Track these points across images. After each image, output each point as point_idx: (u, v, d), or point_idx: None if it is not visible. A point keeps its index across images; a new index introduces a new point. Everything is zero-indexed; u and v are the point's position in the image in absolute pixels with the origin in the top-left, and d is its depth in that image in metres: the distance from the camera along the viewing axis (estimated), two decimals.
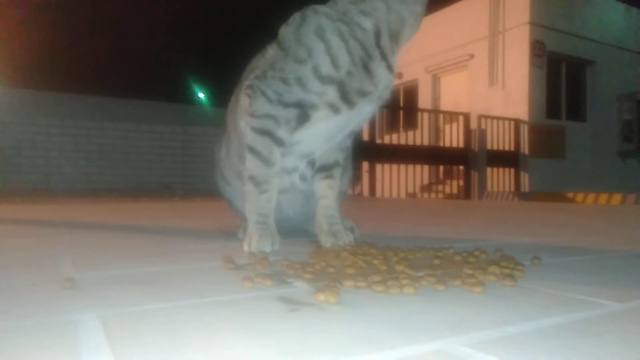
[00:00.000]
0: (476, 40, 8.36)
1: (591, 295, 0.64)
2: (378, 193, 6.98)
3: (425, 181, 7.88)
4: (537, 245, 1.18)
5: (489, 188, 7.43)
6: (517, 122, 7.69)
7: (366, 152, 6.49)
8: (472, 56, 8.51)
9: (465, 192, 7.49)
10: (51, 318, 0.53)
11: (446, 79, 9.36)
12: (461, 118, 7.47)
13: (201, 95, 14.23)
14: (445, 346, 0.44)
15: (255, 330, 0.49)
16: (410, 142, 7.48)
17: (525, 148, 7.78)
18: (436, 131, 8.31)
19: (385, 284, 0.65)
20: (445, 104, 9.03)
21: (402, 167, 7.00)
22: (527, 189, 7.62)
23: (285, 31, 1.08)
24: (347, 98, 1.04)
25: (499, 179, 7.63)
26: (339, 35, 1.01)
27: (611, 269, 0.84)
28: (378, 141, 7.42)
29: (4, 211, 2.69)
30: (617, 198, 5.31)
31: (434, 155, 7.41)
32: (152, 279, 0.75)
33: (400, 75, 9.34)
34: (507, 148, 7.63)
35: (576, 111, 8.59)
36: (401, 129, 8.72)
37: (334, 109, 1.06)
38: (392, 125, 9.21)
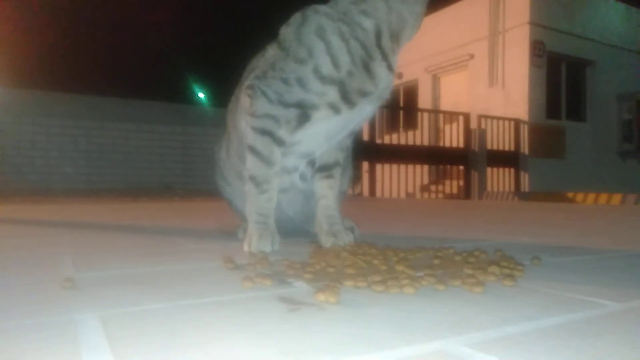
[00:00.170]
0: (476, 40, 8.36)
1: (591, 295, 0.64)
2: (378, 193, 6.98)
3: (425, 181, 7.88)
4: (537, 245, 1.18)
5: (489, 188, 7.44)
6: (517, 122, 7.69)
7: (366, 152, 6.49)
8: (472, 56, 8.51)
9: (465, 192, 7.49)
10: (51, 318, 0.53)
11: (446, 79, 9.36)
12: (461, 118, 7.47)
13: (201, 95, 14.24)
14: (445, 346, 0.44)
15: (255, 330, 0.49)
16: (410, 142, 7.48)
17: (525, 148, 7.78)
18: (436, 131, 8.31)
19: (385, 284, 0.65)
20: (445, 104, 9.03)
21: (402, 167, 7.00)
22: (527, 189, 7.62)
23: (286, 31, 1.08)
24: (347, 98, 1.04)
25: (499, 179, 7.63)
26: (340, 35, 1.01)
27: (611, 269, 0.84)
28: (378, 141, 7.41)
29: (4, 211, 2.69)
30: (617, 198, 5.31)
31: (434, 155, 7.41)
32: (152, 279, 0.75)
33: (400, 75, 9.33)
34: (507, 148, 7.63)
35: (576, 111, 8.59)
36: (401, 129, 8.73)
37: (335, 109, 1.06)
38: (392, 125, 9.21)
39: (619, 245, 1.20)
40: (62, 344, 0.45)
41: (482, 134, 7.46)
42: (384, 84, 1.07)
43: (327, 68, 1.01)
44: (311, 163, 1.20)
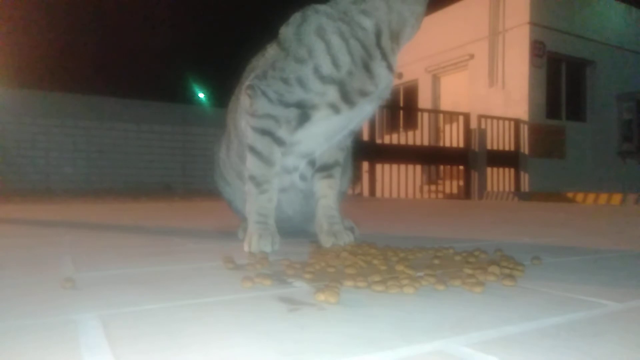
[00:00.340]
0: (476, 40, 8.35)
1: (591, 295, 0.64)
2: (378, 193, 6.97)
3: (425, 181, 7.88)
4: (537, 245, 1.18)
5: (489, 188, 7.44)
6: (517, 122, 7.69)
7: (366, 152, 6.49)
8: (472, 56, 8.50)
9: (465, 192, 7.49)
10: (51, 318, 0.53)
11: (446, 79, 9.36)
12: (461, 118, 7.47)
13: (201, 95, 14.24)
14: (445, 346, 0.44)
15: (255, 330, 0.49)
16: (410, 142, 7.47)
17: (525, 148, 7.78)
18: (436, 131, 8.31)
19: (385, 284, 0.65)
20: (445, 104, 9.03)
21: (402, 167, 7.00)
22: (527, 189, 7.62)
23: (286, 31, 1.08)
24: (347, 98, 1.04)
25: (499, 179, 7.63)
26: (340, 35, 1.01)
27: (611, 269, 0.84)
28: (378, 141, 7.41)
29: (4, 211, 2.69)
30: (617, 198, 5.31)
31: (434, 155, 7.41)
32: (152, 279, 0.75)
33: (400, 75, 9.33)
34: (507, 148, 7.63)
35: (576, 111, 8.59)
36: (401, 129, 8.72)
37: (335, 109, 1.06)
38: (392, 125, 9.21)
39: (619, 245, 1.20)
40: (62, 344, 0.45)
41: (482, 134, 7.46)
42: (384, 83, 1.07)
43: (327, 68, 1.01)
44: (311, 163, 1.20)
